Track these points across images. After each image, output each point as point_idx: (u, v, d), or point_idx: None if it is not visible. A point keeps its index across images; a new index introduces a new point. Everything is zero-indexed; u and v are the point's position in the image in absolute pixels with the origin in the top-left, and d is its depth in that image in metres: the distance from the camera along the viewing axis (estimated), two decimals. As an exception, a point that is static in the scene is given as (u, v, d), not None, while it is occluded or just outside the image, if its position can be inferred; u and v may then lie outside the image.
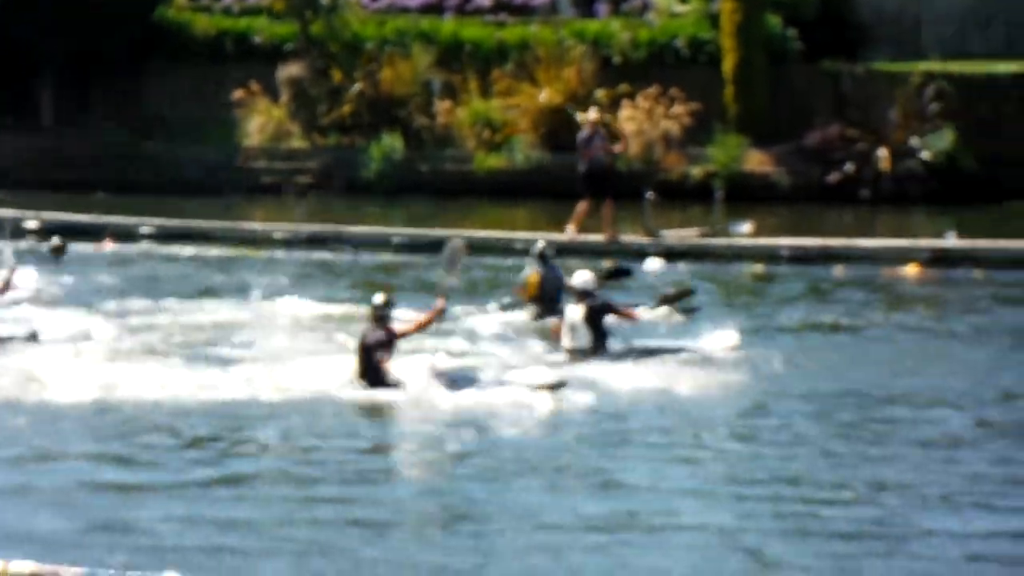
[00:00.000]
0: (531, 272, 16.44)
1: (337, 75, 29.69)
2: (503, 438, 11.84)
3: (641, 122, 27.60)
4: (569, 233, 22.04)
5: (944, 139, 26.77)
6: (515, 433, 11.99)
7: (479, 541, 9.28)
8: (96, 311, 16.42)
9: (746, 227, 22.34)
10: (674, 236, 22.36)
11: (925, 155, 26.74)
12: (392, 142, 28.40)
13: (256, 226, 24.68)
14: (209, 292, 18.03)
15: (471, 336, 15.33)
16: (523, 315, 16.30)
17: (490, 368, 13.74)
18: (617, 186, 22.60)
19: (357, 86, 29.43)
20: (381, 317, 13.33)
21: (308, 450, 11.38)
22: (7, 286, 15.46)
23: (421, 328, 13.71)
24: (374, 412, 12.60)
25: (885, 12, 29.64)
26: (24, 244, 21.67)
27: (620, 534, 9.36)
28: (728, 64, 28.02)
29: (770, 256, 21.42)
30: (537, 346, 14.97)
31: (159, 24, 31.30)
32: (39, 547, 8.73)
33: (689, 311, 16.47)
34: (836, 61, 28.33)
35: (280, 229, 23.86)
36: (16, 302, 16.00)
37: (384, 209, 26.62)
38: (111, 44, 30.34)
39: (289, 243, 23.06)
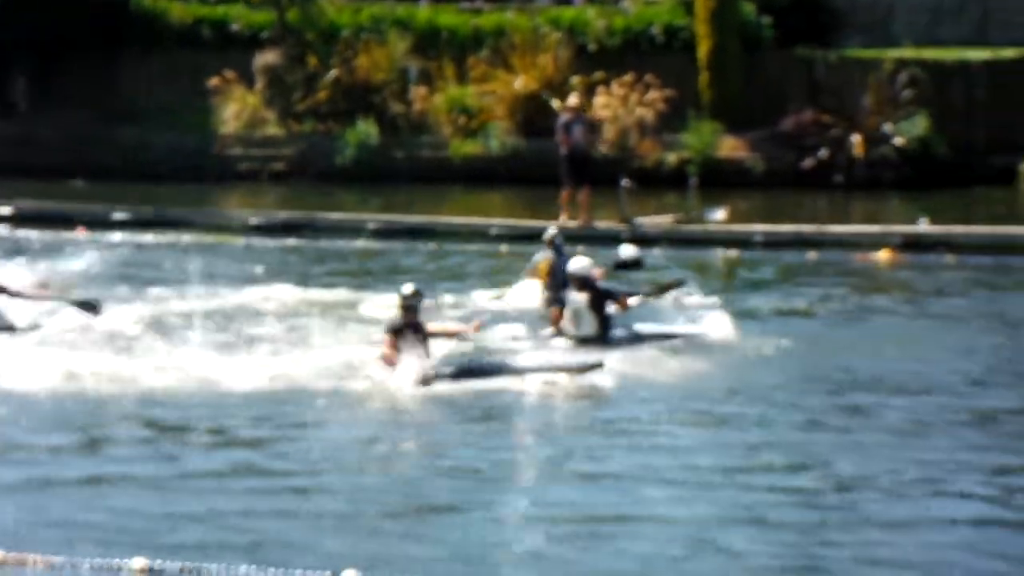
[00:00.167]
0: (542, 259, 16.44)
1: (313, 62, 29.67)
2: (503, 427, 11.82)
3: (616, 109, 27.68)
4: (563, 221, 22.11)
5: (917, 125, 26.94)
6: (517, 422, 11.96)
7: (446, 532, 9.32)
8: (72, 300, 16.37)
9: (720, 213, 22.45)
10: (649, 222, 22.46)
11: (898, 141, 26.90)
12: (367, 129, 28.41)
13: (231, 213, 24.69)
14: (185, 279, 18.01)
15: (484, 323, 15.21)
16: (532, 302, 16.23)
17: (509, 354, 13.68)
18: (594, 173, 22.69)
19: (333, 73, 29.42)
20: (410, 307, 13.17)
21: (294, 440, 11.37)
22: None
23: (448, 336, 13.68)
24: (368, 401, 12.52)
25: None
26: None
27: (582, 525, 9.37)
28: (702, 51, 28.12)
29: (744, 242, 21.53)
30: (547, 332, 14.92)
31: (135, 11, 31.22)
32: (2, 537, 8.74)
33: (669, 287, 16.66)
34: (810, 48, 28.46)
35: (255, 216, 23.87)
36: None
37: (360, 196, 26.64)
38: (87, 31, 30.25)
39: (264, 230, 23.06)
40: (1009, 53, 27.90)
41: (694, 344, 14.58)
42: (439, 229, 22.77)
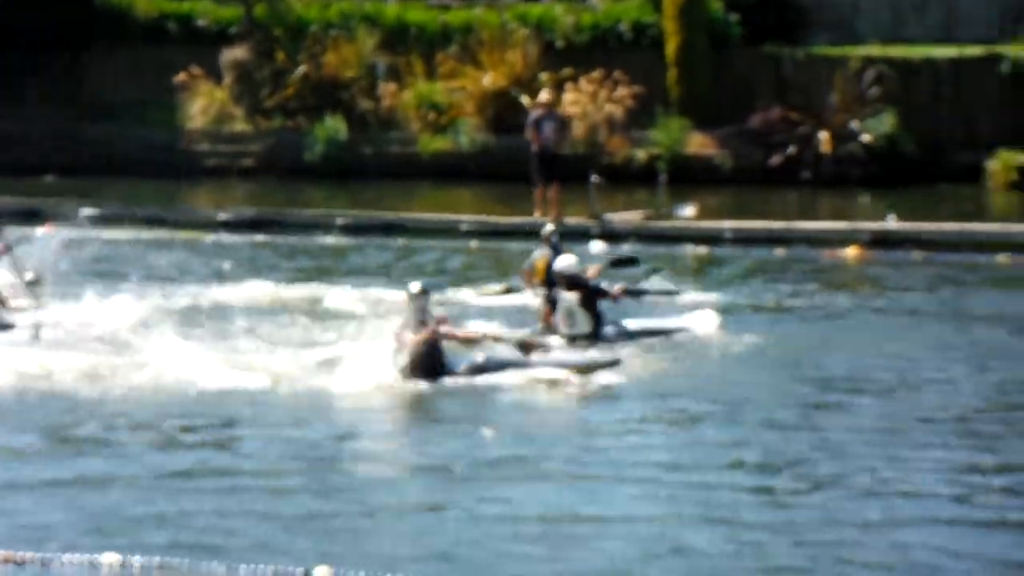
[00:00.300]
0: (539, 256, 16.41)
1: (281, 58, 29.58)
2: (478, 426, 11.78)
3: (585, 105, 27.72)
4: (536, 218, 22.15)
5: (884, 122, 27.08)
6: (495, 421, 11.93)
7: (417, 530, 9.32)
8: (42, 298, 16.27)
9: (689, 210, 22.51)
10: (619, 219, 22.50)
11: (865, 138, 27.05)
12: (336, 125, 28.35)
13: (199, 209, 24.60)
14: (153, 276, 17.92)
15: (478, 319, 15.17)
16: (529, 299, 16.19)
17: (511, 351, 13.57)
18: (564, 169, 22.72)
19: (301, 69, 29.34)
20: (418, 306, 13.09)
21: (266, 438, 11.34)
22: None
23: (458, 340, 13.47)
24: (343, 399, 12.47)
25: (825, -4, 29.93)
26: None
27: (554, 525, 9.37)
28: (671, 48, 28.18)
29: (713, 238, 21.59)
30: (539, 330, 14.82)
31: (101, 7, 31.03)
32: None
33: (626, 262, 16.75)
34: (777, 45, 28.57)
35: (224, 212, 23.78)
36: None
37: (328, 192, 26.58)
38: (54, 27, 30.05)
39: (232, 226, 22.98)
40: (975, 50, 28.08)
41: (678, 340, 14.63)
42: (408, 225, 22.76)
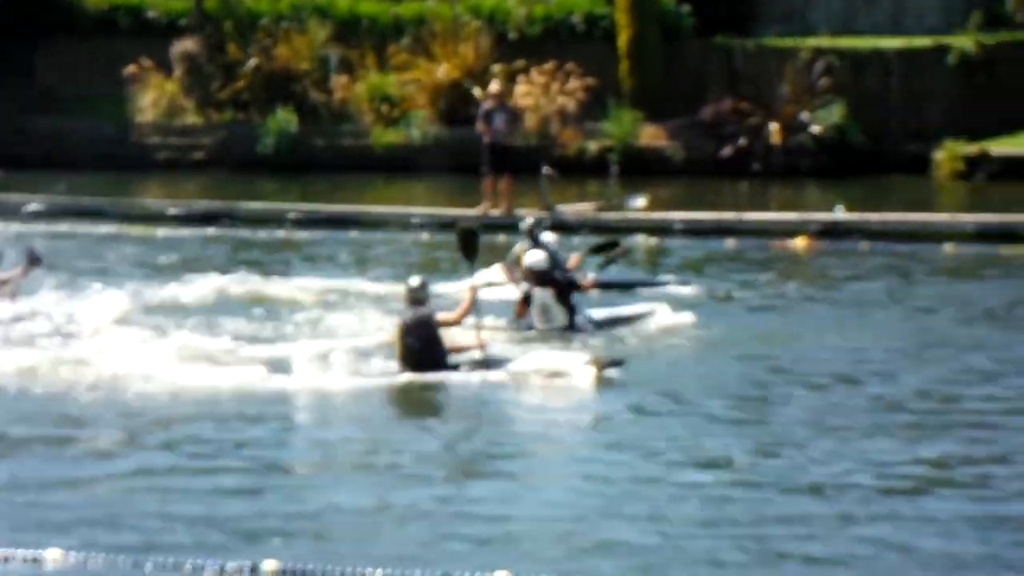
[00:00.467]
0: (521, 249, 16.36)
1: (232, 50, 29.46)
2: (431, 424, 11.84)
3: (537, 97, 27.76)
4: (485, 209, 22.20)
5: (833, 113, 27.27)
6: (452, 418, 11.97)
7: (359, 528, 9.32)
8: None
9: (640, 201, 22.59)
10: (570, 210, 22.56)
11: (815, 129, 27.22)
12: (287, 117, 28.27)
13: (150, 202, 24.48)
14: (103, 271, 17.84)
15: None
16: (512, 292, 16.14)
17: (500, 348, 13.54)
18: (515, 161, 22.76)
19: (252, 61, 29.22)
20: (418, 299, 12.97)
21: (220, 436, 11.31)
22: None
23: (459, 319, 13.32)
24: (299, 396, 12.44)
25: (776, -12, 30.09)
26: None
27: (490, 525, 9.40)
28: (623, 40, 28.26)
29: (664, 229, 21.69)
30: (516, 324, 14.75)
31: (50, -2, 30.82)
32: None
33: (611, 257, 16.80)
34: (728, 37, 28.70)
35: (174, 205, 23.67)
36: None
37: (280, 185, 26.51)
38: (2, 18, 29.78)
39: (183, 220, 22.89)
40: (923, 42, 28.32)
41: (633, 331, 14.70)
42: (360, 218, 22.74)
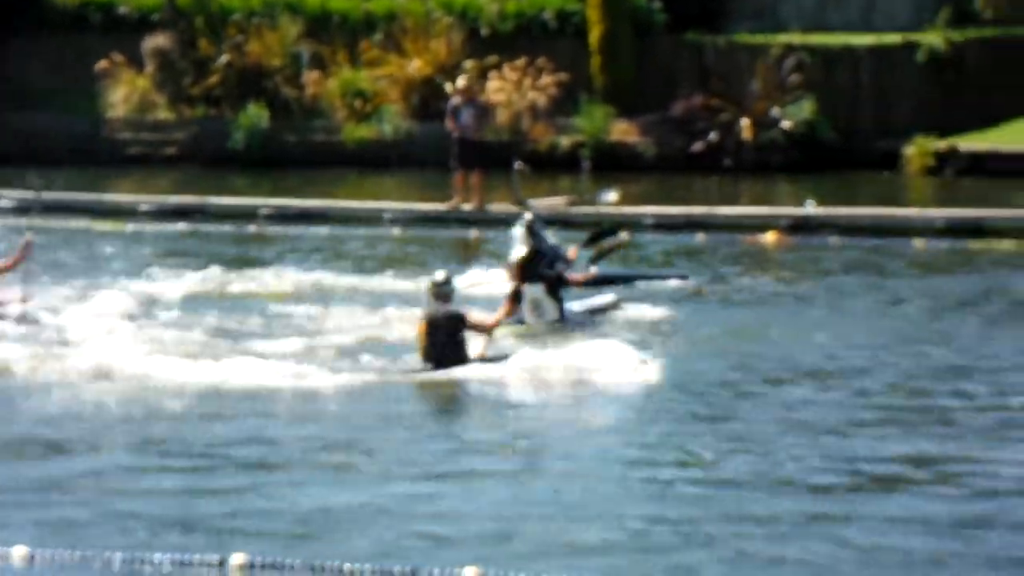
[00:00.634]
0: (522, 246, 16.33)
1: (204, 46, 29.39)
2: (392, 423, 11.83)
3: (509, 93, 27.79)
4: (456, 204, 22.23)
5: (804, 109, 27.40)
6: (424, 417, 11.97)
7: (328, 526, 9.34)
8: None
9: (611, 196, 22.58)
10: (542, 205, 22.57)
11: (786, 125, 27.34)
12: (258, 113, 28.22)
13: (120, 198, 24.40)
14: (72, 267, 17.77)
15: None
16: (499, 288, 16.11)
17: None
18: (486, 156, 22.80)
19: (224, 57, 29.17)
20: (443, 295, 12.79)
21: (189, 433, 11.27)
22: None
23: (484, 329, 13.08)
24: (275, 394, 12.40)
25: (747, -16, 30.18)
26: None
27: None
28: (594, 36, 28.32)
29: (635, 224, 21.73)
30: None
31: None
32: None
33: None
34: (700, 33, 28.79)
35: (145, 201, 23.61)
36: None
37: (252, 180, 26.47)
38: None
39: (154, 215, 22.83)
40: (893, 39, 28.47)
41: (608, 321, 14.78)
42: (332, 214, 22.74)
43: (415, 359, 12.89)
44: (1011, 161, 26.12)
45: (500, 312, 13.49)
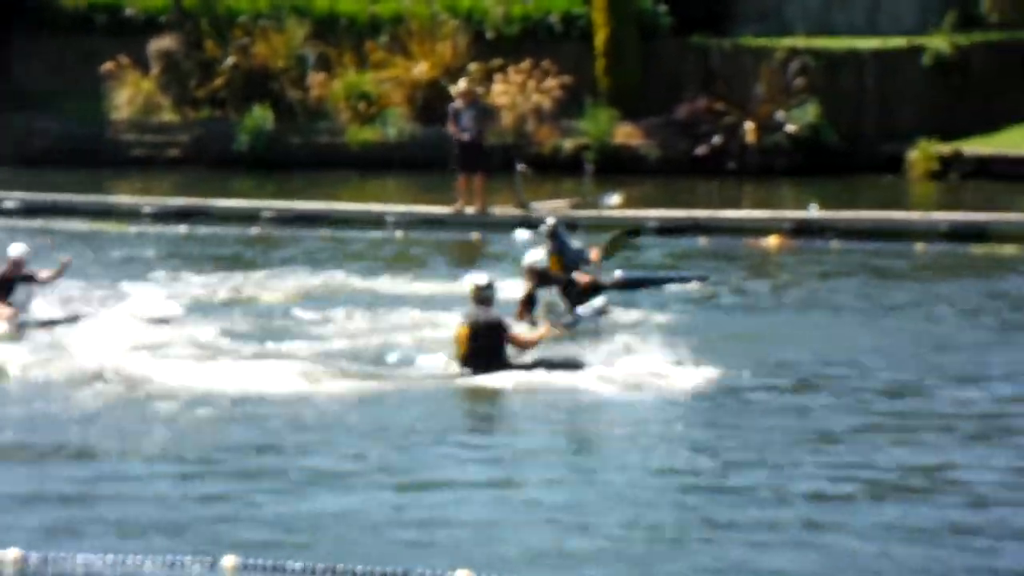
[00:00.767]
0: (545, 253, 16.32)
1: (210, 48, 29.44)
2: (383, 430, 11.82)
3: (514, 96, 27.81)
4: (460, 207, 22.26)
5: (808, 113, 27.39)
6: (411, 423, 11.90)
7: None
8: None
9: (615, 199, 22.62)
10: (545, 208, 22.59)
11: (790, 129, 27.32)
12: (263, 114, 28.26)
13: (125, 200, 24.43)
14: (70, 270, 17.75)
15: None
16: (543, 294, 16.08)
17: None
18: (489, 159, 22.81)
19: (230, 59, 29.21)
20: (484, 299, 12.61)
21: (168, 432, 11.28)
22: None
23: (528, 345, 12.82)
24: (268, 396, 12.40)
25: (752, -12, 30.18)
26: None
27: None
28: (599, 39, 28.34)
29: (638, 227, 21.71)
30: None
31: (27, -6, 30.76)
32: None
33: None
34: (705, 36, 28.79)
35: (149, 203, 23.64)
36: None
37: (256, 182, 26.49)
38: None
39: (158, 217, 22.86)
40: (898, 42, 28.44)
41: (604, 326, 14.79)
42: (335, 216, 22.74)
43: (442, 361, 12.69)
44: (1016, 165, 26.09)
45: (542, 329, 13.29)
